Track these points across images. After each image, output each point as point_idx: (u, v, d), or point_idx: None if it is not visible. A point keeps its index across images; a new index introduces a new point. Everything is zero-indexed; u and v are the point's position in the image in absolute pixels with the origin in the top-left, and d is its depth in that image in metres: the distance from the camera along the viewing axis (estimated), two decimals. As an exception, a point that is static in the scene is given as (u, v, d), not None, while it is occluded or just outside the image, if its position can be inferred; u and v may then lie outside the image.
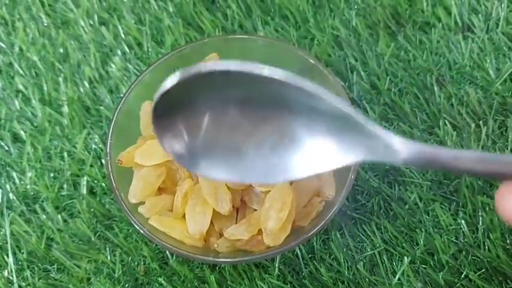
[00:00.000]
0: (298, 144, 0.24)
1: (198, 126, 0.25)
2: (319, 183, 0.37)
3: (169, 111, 0.24)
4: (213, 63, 0.21)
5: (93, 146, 0.44)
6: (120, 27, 0.49)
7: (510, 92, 0.44)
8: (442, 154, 0.21)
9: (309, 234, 0.34)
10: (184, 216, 0.36)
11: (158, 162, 0.36)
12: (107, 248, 0.40)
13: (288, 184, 0.35)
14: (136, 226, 0.35)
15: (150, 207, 0.36)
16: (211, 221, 0.36)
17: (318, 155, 0.24)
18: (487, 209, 0.40)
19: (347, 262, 0.39)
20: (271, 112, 0.24)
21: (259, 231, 0.35)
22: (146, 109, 0.39)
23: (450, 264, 0.38)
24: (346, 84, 0.45)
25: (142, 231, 0.35)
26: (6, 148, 0.44)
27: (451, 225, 0.40)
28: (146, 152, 0.36)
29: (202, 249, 0.36)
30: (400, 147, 0.22)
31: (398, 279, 0.38)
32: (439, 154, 0.21)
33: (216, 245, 0.36)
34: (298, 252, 0.39)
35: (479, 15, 0.47)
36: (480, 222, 0.39)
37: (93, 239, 0.40)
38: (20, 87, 0.47)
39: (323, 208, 0.37)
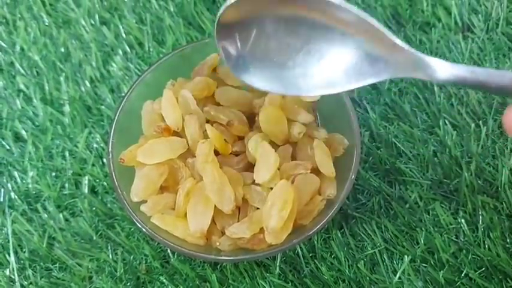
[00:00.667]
0: (336, 62, 0.28)
1: (250, 39, 0.29)
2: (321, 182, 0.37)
3: (230, 23, 0.28)
4: None
5: (95, 145, 0.44)
6: (121, 27, 0.49)
7: (510, 92, 0.44)
8: (474, 72, 0.24)
9: (311, 233, 0.35)
10: (186, 214, 0.36)
11: (160, 160, 0.36)
12: (109, 247, 0.40)
13: (290, 183, 0.35)
14: (138, 224, 0.35)
15: (153, 206, 0.36)
16: (213, 219, 0.36)
17: (354, 72, 0.28)
18: (487, 208, 0.40)
19: (348, 261, 0.39)
20: (314, 34, 0.28)
21: (261, 230, 0.35)
22: (148, 108, 0.40)
23: (450, 263, 0.39)
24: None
25: (144, 230, 0.35)
26: (8, 147, 0.44)
27: (451, 224, 0.40)
28: (148, 151, 0.36)
29: (204, 248, 0.36)
30: (437, 67, 0.25)
31: (399, 278, 0.38)
32: (472, 72, 0.24)
33: (218, 243, 0.36)
34: (299, 251, 0.39)
35: (479, 16, 0.48)
36: (480, 221, 0.40)
37: (94, 237, 0.41)
38: (22, 86, 0.47)
39: (324, 207, 0.37)
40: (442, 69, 0.24)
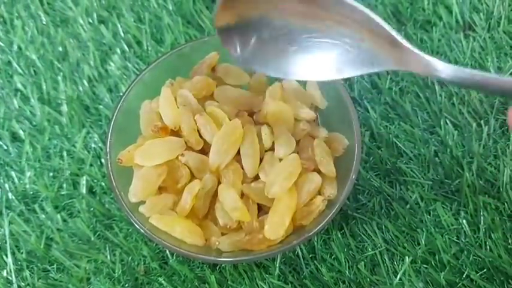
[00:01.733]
0: (338, 51, 0.29)
1: (252, 33, 0.30)
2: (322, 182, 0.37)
3: (229, 23, 0.29)
4: None
5: (93, 145, 0.43)
6: (119, 26, 0.48)
7: None
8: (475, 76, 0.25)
9: (310, 233, 0.34)
10: (188, 215, 0.36)
11: (159, 162, 0.36)
12: (107, 248, 0.40)
13: (298, 157, 0.36)
14: (136, 225, 0.35)
15: (151, 207, 0.36)
16: (213, 218, 0.36)
17: (361, 59, 0.28)
18: (488, 208, 0.40)
19: (348, 262, 0.39)
20: (317, 24, 0.28)
21: (260, 230, 0.35)
22: (146, 108, 0.39)
23: (451, 264, 0.38)
24: (347, 83, 0.45)
25: (142, 231, 0.35)
26: (5, 147, 0.44)
27: (452, 225, 0.39)
28: (146, 153, 0.36)
29: (203, 249, 0.36)
30: (440, 68, 0.25)
31: (400, 279, 0.38)
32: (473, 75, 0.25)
33: (217, 243, 0.35)
34: (299, 252, 0.39)
35: (481, 14, 0.47)
36: (481, 222, 0.39)
37: (92, 238, 0.40)
38: (19, 86, 0.46)
39: (325, 207, 0.36)
40: (444, 70, 0.25)
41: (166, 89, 0.38)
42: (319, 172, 0.37)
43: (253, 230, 0.35)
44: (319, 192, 0.37)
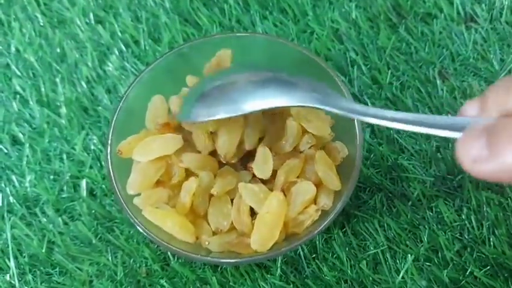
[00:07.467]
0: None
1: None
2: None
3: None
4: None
5: (92, 147, 0.43)
6: (116, 25, 0.48)
7: (515, 84, 0.43)
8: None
9: (299, 242, 0.34)
10: (187, 214, 0.36)
11: (153, 157, 0.36)
12: (109, 250, 0.40)
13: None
14: (130, 218, 0.34)
15: (145, 199, 0.36)
16: (206, 219, 0.36)
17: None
18: (491, 204, 0.39)
19: (350, 261, 0.39)
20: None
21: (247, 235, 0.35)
22: (156, 103, 0.39)
23: (455, 261, 0.38)
24: (347, 79, 0.44)
25: (132, 221, 0.34)
26: (6, 151, 0.44)
27: (455, 222, 0.39)
28: (143, 149, 0.36)
29: (193, 246, 0.35)
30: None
31: (402, 277, 0.38)
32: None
33: (207, 243, 0.35)
34: (301, 251, 0.39)
35: (483, 5, 0.46)
36: (485, 218, 0.39)
37: (94, 241, 0.40)
38: (18, 88, 0.46)
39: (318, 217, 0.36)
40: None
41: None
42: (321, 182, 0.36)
43: (245, 232, 0.35)
44: (315, 201, 0.36)
